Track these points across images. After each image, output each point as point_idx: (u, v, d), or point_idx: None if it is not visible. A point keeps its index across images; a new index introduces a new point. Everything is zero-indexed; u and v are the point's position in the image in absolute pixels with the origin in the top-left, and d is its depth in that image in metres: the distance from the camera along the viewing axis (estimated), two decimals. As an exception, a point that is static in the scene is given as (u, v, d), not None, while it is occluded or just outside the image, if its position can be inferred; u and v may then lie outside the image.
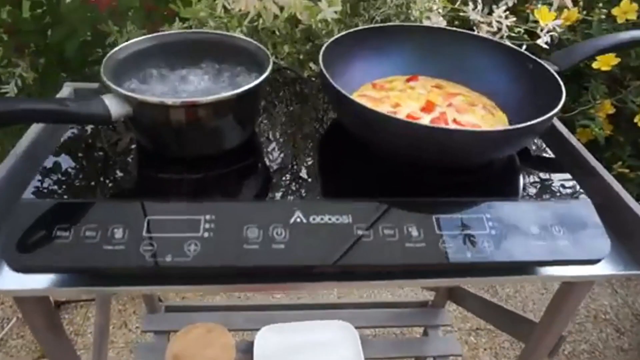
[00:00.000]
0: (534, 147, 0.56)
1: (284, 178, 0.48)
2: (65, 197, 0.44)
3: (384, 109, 0.54)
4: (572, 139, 0.56)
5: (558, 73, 0.51)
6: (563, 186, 0.49)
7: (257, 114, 0.54)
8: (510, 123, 0.54)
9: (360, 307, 1.04)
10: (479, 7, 0.77)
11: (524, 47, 0.75)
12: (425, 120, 0.52)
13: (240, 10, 0.66)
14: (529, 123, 0.42)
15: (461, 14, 0.80)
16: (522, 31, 0.81)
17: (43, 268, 0.40)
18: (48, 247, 0.39)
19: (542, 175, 0.51)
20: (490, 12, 0.77)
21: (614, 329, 1.30)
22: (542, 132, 0.50)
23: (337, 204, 0.43)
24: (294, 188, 0.47)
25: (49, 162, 0.48)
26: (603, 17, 1.09)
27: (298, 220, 0.42)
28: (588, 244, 0.42)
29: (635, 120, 1.06)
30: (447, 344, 0.98)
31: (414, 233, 0.42)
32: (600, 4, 1.10)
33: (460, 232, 0.42)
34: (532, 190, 0.49)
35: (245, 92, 0.45)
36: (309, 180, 0.48)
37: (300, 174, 0.49)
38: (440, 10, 0.79)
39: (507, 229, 0.42)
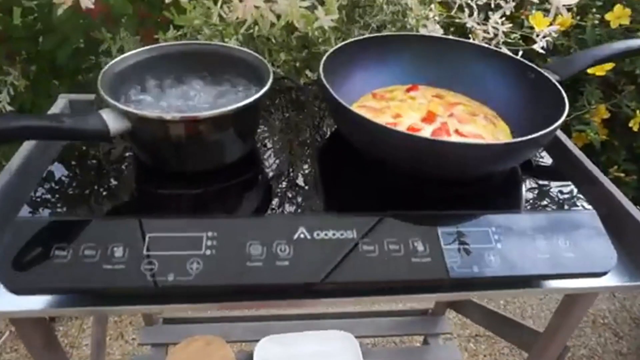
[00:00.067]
0: (535, 156, 0.56)
1: (286, 192, 0.48)
2: (63, 214, 0.43)
3: (384, 119, 0.53)
4: (574, 148, 0.56)
5: (559, 83, 0.51)
6: (567, 197, 0.48)
7: (257, 126, 0.53)
8: (512, 133, 0.53)
9: (360, 317, 1.03)
10: (475, 13, 0.77)
11: (520, 53, 0.76)
12: (426, 131, 0.51)
13: (237, 18, 0.66)
14: (533, 135, 0.41)
15: (457, 20, 0.80)
16: (519, 37, 0.82)
17: (41, 289, 0.39)
18: (46, 268, 0.38)
19: (545, 186, 0.51)
20: (486, 19, 0.77)
21: (612, 333, 1.30)
22: (546, 144, 0.50)
23: (341, 218, 0.43)
24: (296, 202, 0.46)
25: (44, 179, 0.47)
26: (596, 22, 1.10)
27: (302, 236, 0.41)
28: (594, 257, 0.41)
29: (630, 124, 1.06)
30: (448, 352, 0.97)
31: (420, 248, 0.41)
32: (594, 10, 1.11)
33: (466, 246, 0.41)
34: (537, 202, 0.48)
35: (245, 106, 0.44)
36: (312, 193, 0.48)
37: (302, 188, 0.49)
38: (437, 18, 0.79)
39: (513, 242, 0.42)
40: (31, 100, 1.00)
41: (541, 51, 0.77)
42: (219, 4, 0.64)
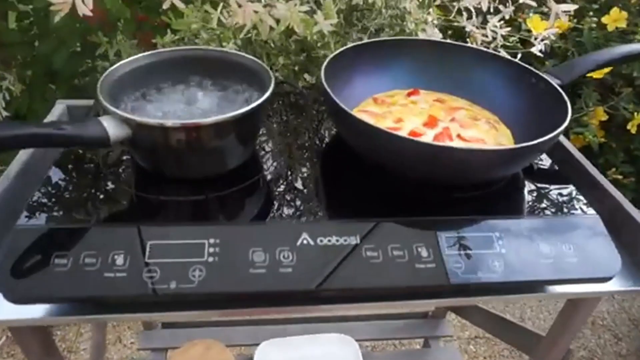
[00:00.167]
0: (536, 159, 0.56)
1: (287, 198, 0.47)
2: (62, 222, 0.43)
3: (386, 124, 0.53)
4: (575, 151, 0.56)
5: (561, 87, 0.51)
6: (570, 201, 0.48)
7: (258, 132, 0.53)
8: (515, 138, 0.53)
9: (360, 319, 1.03)
10: (474, 17, 0.77)
11: (519, 56, 0.76)
12: (428, 135, 0.51)
13: (236, 23, 0.65)
14: (537, 141, 0.41)
15: (455, 24, 0.80)
16: (517, 40, 0.82)
17: (41, 298, 0.39)
18: (46, 276, 0.38)
19: (548, 189, 0.50)
20: (485, 22, 0.77)
21: (611, 334, 1.30)
22: (549, 149, 0.50)
23: (344, 224, 0.43)
24: (298, 208, 0.46)
25: (44, 184, 0.46)
26: (593, 25, 1.10)
27: (305, 242, 0.41)
28: (599, 262, 0.41)
29: (628, 127, 1.07)
30: (448, 355, 0.97)
31: (424, 253, 0.41)
32: (591, 13, 1.11)
33: (470, 251, 0.41)
34: (540, 206, 0.48)
35: (247, 113, 0.43)
36: (314, 199, 0.48)
37: (304, 193, 0.48)
38: (435, 22, 0.79)
39: (517, 248, 0.42)
40: (27, 104, 0.99)
41: (539, 54, 0.78)
42: (219, 9, 0.64)
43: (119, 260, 0.39)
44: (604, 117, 1.10)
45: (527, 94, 0.54)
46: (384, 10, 0.76)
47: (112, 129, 0.42)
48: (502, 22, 0.75)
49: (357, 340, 0.92)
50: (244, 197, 0.48)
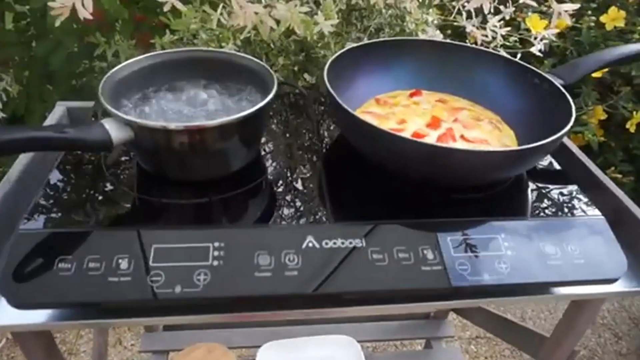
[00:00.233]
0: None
1: (292, 200, 0.47)
2: (65, 226, 0.42)
3: (389, 125, 0.53)
4: (578, 151, 0.56)
5: (564, 87, 0.51)
6: (575, 202, 0.48)
7: (262, 134, 0.52)
8: (518, 138, 0.53)
9: (362, 321, 1.02)
10: (474, 17, 0.77)
11: (519, 55, 0.76)
12: (432, 136, 0.51)
13: (237, 24, 0.65)
14: (542, 142, 0.41)
15: (455, 23, 0.80)
16: (517, 39, 0.82)
17: (44, 303, 0.38)
18: (49, 281, 0.38)
19: (552, 191, 0.50)
20: (484, 22, 0.77)
21: (612, 333, 1.31)
22: (553, 150, 0.50)
23: (349, 226, 0.43)
24: (303, 210, 0.46)
25: (46, 188, 0.46)
26: (592, 24, 1.10)
27: (310, 245, 0.41)
28: (605, 263, 0.41)
29: (627, 125, 1.07)
30: (450, 356, 0.97)
31: (430, 256, 0.41)
32: (589, 12, 1.12)
33: (476, 253, 0.41)
34: (545, 208, 0.48)
35: (251, 115, 0.43)
36: (318, 201, 0.47)
37: (308, 195, 0.48)
38: (435, 22, 0.79)
39: (523, 249, 0.42)
40: (24, 105, 0.99)
41: (538, 54, 0.78)
42: (219, 10, 0.64)
43: (123, 264, 0.39)
44: (603, 116, 1.11)
45: (529, 94, 0.54)
46: (384, 10, 0.76)
47: (115, 131, 0.41)
48: (501, 22, 0.75)
49: (358, 341, 0.92)
50: (248, 199, 0.48)
